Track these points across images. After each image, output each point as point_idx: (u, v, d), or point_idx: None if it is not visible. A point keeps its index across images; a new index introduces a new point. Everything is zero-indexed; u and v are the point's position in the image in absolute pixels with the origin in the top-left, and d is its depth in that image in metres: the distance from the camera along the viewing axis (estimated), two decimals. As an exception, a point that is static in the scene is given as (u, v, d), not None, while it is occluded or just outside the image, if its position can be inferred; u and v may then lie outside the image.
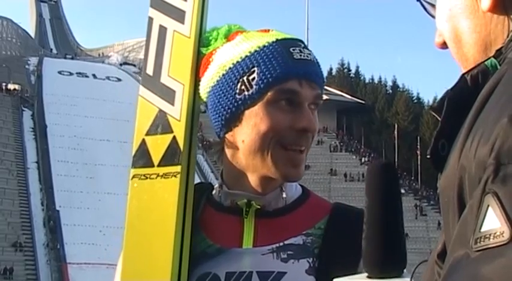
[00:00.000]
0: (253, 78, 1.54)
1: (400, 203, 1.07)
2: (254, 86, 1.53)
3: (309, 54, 1.58)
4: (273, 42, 1.57)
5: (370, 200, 1.06)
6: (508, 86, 0.83)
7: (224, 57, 1.60)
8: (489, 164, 0.76)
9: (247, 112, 1.55)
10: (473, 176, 0.79)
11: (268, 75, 1.53)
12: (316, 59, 1.60)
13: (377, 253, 1.05)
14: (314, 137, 1.58)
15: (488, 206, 0.74)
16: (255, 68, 1.54)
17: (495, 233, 0.73)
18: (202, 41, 1.68)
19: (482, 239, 0.74)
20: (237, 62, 1.57)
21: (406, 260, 1.06)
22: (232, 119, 1.57)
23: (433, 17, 1.04)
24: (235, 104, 1.56)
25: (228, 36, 1.64)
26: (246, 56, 1.57)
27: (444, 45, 1.02)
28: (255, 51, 1.56)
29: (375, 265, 1.05)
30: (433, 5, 1.04)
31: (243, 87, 1.55)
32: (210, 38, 1.66)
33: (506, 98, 0.80)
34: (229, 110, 1.57)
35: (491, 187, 0.75)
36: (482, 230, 0.74)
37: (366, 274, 1.07)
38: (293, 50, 1.55)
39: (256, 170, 1.57)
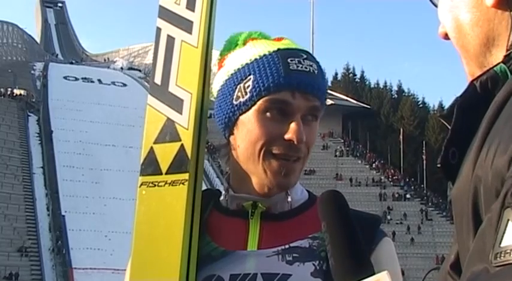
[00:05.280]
0: (248, 86, 1.56)
1: (351, 221, 1.22)
2: (248, 94, 1.56)
3: (309, 65, 1.58)
4: (273, 51, 1.59)
5: (328, 223, 1.22)
6: None
7: (231, 63, 1.63)
8: (508, 177, 0.74)
9: (242, 118, 1.58)
10: (490, 187, 0.78)
11: (261, 84, 1.55)
12: (320, 71, 1.61)
13: (345, 264, 1.16)
14: (310, 147, 1.58)
15: (508, 220, 0.73)
16: (251, 76, 1.57)
17: None
18: (226, 44, 1.70)
19: (502, 255, 0.72)
20: (238, 69, 1.60)
21: (372, 265, 1.17)
22: (230, 124, 1.61)
23: (437, 6, 1.04)
24: (232, 109, 1.59)
25: (245, 42, 1.67)
26: (246, 64, 1.60)
27: (447, 36, 1.01)
28: (255, 59, 1.59)
29: (346, 275, 1.15)
30: None
31: (239, 93, 1.58)
32: (232, 42, 1.69)
33: None
34: (227, 115, 1.60)
35: (511, 201, 0.73)
36: (502, 245, 0.73)
37: None
38: (291, 60, 1.56)
39: (254, 174, 1.59)
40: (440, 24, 1.02)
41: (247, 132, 1.56)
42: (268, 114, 1.54)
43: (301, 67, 1.56)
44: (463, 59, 0.99)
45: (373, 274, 1.10)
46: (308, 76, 1.56)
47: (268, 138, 1.54)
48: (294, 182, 1.59)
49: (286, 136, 1.53)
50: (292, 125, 1.53)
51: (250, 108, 1.56)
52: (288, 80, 1.54)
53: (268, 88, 1.54)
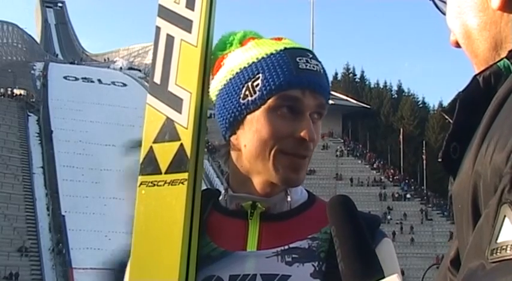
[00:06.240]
0: (257, 85, 1.56)
1: (361, 226, 1.23)
2: (257, 92, 1.55)
3: (316, 65, 1.59)
4: (280, 50, 1.59)
5: (338, 228, 1.21)
6: None
7: (233, 62, 1.62)
8: (506, 173, 0.74)
9: (249, 117, 1.57)
10: (489, 183, 0.78)
11: (272, 83, 1.54)
12: (324, 70, 1.62)
13: (355, 268, 1.14)
14: (315, 145, 1.59)
15: (504, 216, 0.73)
16: (260, 75, 1.56)
17: None
18: (218, 44, 1.70)
19: (498, 251, 0.72)
20: (244, 67, 1.59)
21: (382, 269, 1.17)
22: (235, 123, 1.60)
23: (445, 14, 1.03)
24: (239, 108, 1.58)
25: (242, 42, 1.66)
26: (253, 62, 1.59)
27: (458, 44, 1.01)
28: (262, 58, 1.58)
29: (355, 279, 1.13)
30: (445, 2, 1.03)
31: (247, 92, 1.57)
32: (226, 42, 1.68)
33: None
34: (232, 114, 1.59)
35: (508, 197, 0.73)
36: (498, 241, 0.73)
37: None
38: (299, 59, 1.57)
39: (259, 173, 1.59)
40: (451, 32, 1.02)
41: (255, 131, 1.56)
42: (278, 112, 1.54)
43: (310, 66, 1.57)
44: (474, 65, 0.98)
45: (383, 277, 1.10)
46: (316, 75, 1.57)
47: (279, 136, 1.54)
48: (302, 179, 1.59)
49: (300, 135, 1.53)
50: (305, 124, 1.54)
51: (259, 107, 1.55)
52: (298, 79, 1.54)
53: (279, 86, 1.54)
